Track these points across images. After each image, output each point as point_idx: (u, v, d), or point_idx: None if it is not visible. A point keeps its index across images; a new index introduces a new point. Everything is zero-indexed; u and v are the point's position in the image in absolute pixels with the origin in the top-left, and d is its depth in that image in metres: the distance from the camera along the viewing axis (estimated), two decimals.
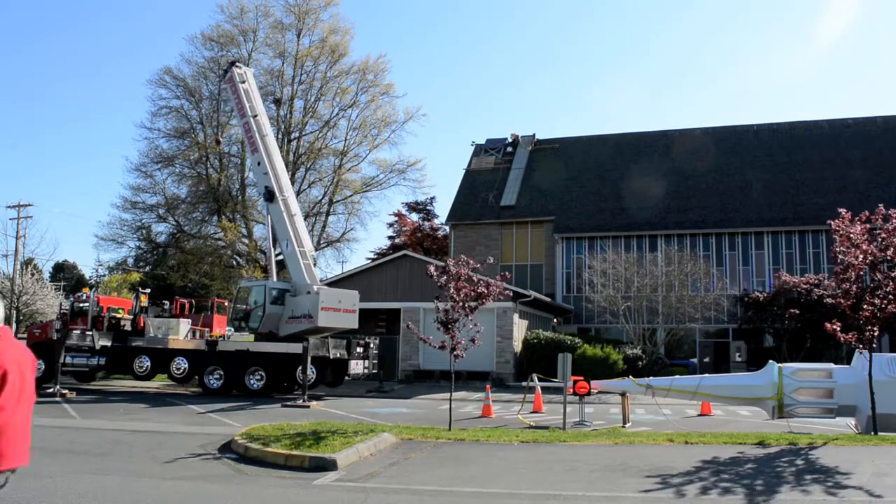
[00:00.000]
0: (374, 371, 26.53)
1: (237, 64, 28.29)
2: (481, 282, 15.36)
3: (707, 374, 19.00)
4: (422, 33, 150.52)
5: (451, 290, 14.71)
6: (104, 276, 65.16)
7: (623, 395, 17.62)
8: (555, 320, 36.75)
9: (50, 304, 44.19)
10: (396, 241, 58.61)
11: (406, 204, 59.26)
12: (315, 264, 25.63)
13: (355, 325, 24.63)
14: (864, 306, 13.91)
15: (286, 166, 45.68)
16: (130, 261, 55.87)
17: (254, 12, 47.86)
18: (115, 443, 13.21)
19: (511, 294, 28.77)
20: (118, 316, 26.35)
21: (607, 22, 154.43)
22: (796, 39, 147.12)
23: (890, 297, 13.81)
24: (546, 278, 39.74)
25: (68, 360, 24.27)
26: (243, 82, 27.30)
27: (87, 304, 26.01)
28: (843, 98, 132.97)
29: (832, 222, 14.48)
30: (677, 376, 20.15)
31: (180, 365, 24.65)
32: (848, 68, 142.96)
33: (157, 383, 26.77)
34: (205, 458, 11.59)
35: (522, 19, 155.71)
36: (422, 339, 15.48)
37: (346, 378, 25.47)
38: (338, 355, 24.37)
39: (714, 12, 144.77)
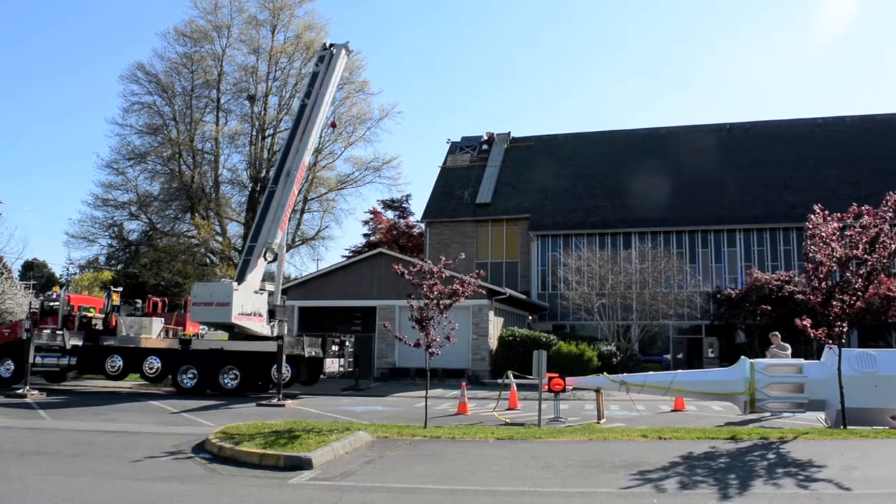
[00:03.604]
0: (349, 369, 26.42)
1: (329, 46, 27.47)
2: (455, 279, 15.38)
3: (680, 371, 19.24)
4: (397, 31, 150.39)
5: (425, 289, 14.73)
6: (75, 274, 64.29)
7: (598, 391, 17.72)
8: (530, 317, 36.88)
9: (19, 302, 43.46)
10: (372, 238, 58.38)
11: (381, 201, 59.09)
12: (270, 259, 24.80)
13: (227, 319, 23.30)
14: (834, 303, 14.11)
15: (260, 163, 45.73)
16: (102, 259, 55.21)
17: (228, 7, 47.51)
18: (86, 444, 13.05)
19: (486, 291, 28.82)
20: (89, 315, 26.08)
21: (585, 21, 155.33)
22: (768, 41, 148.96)
23: (858, 293, 14.03)
24: (521, 276, 39.87)
25: (38, 359, 23.93)
26: (318, 64, 26.90)
27: (57, 303, 25.72)
28: (821, 98, 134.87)
29: (812, 217, 14.61)
30: (651, 373, 20.31)
31: (153, 364, 24.41)
32: (824, 70, 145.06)
33: (130, 383, 26.51)
34: (178, 458, 11.50)
35: (499, 18, 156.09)
36: (397, 338, 15.48)
37: (322, 376, 25.33)
38: (313, 353, 24.26)
39: (688, 12, 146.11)
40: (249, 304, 23.79)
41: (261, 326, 23.95)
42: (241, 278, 24.01)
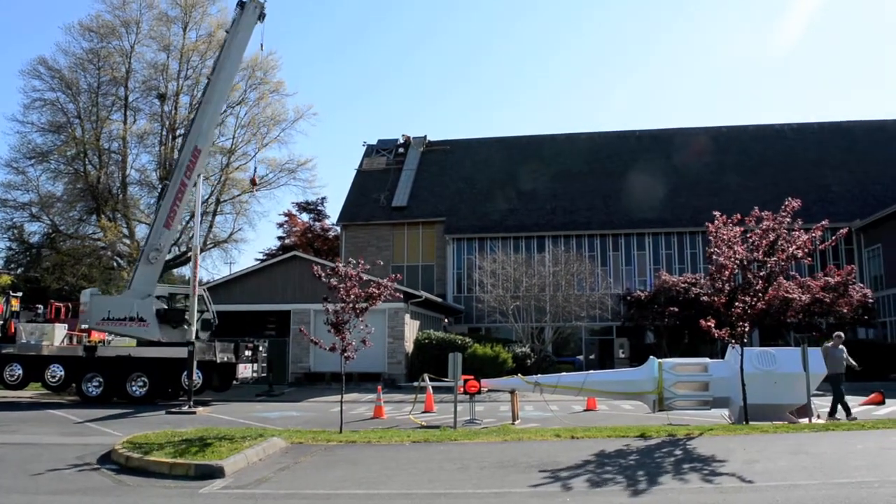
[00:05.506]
0: (263, 374, 26.00)
1: (241, 3, 24.46)
2: (372, 283, 15.35)
3: (592, 371, 19.64)
4: (314, 32, 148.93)
5: (341, 292, 14.66)
6: None
7: (512, 392, 17.94)
8: (446, 320, 37.09)
9: None
10: (286, 241, 57.64)
11: (296, 204, 58.41)
12: (153, 261, 24.01)
13: (88, 325, 23.96)
14: (736, 304, 14.71)
15: (170, 164, 44.29)
16: (0, 262, 52.68)
17: (137, 3, 45.89)
18: None
19: (402, 295, 28.80)
20: None
21: (511, 25, 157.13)
22: (682, 51, 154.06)
23: (759, 295, 14.66)
24: (437, 279, 40.09)
25: None
26: (228, 31, 24.83)
27: None
28: (722, 108, 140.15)
29: (710, 225, 15.24)
30: (564, 373, 20.69)
31: (56, 372, 23.42)
32: (723, 78, 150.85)
33: (31, 392, 25.40)
34: (83, 470, 11.07)
35: (418, 19, 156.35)
36: (312, 342, 15.36)
37: (235, 382, 24.84)
38: (225, 359, 23.72)
39: (606, 26, 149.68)
40: (126, 309, 23.40)
41: (143, 332, 23.54)
42: (130, 284, 24.13)
